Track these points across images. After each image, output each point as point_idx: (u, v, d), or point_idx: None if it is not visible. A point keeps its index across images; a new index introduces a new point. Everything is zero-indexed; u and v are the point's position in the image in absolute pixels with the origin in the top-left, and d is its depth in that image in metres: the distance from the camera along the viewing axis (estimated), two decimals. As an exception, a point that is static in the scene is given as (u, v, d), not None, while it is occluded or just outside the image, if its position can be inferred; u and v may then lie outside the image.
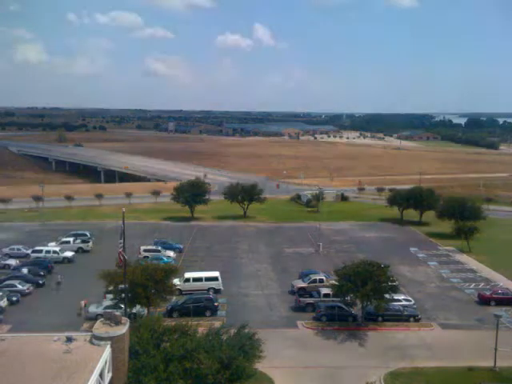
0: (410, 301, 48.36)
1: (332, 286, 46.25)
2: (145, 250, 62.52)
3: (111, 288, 42.10)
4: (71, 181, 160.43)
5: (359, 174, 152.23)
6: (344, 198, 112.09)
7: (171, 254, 63.52)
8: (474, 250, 68.64)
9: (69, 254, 62.71)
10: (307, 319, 45.17)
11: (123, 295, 40.25)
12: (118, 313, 30.57)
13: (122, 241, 36.13)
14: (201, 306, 45.50)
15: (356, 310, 45.11)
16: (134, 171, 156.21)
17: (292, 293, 51.40)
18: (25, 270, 54.64)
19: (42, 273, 55.43)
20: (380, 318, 44.78)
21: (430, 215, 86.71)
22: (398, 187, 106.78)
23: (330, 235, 77.80)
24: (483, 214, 78.88)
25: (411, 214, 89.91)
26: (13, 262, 59.12)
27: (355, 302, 44.49)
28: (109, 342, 27.18)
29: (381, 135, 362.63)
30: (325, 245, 69.15)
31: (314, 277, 52.40)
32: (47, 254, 61.03)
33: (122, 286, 39.83)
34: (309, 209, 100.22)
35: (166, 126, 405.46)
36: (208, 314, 45.25)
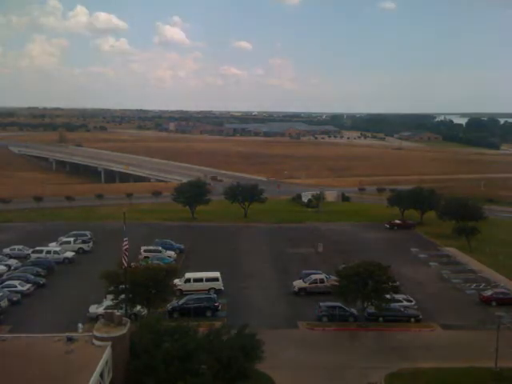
0: (411, 301, 48.32)
1: (333, 287, 46.23)
2: (145, 251, 62.50)
3: (112, 288, 42.12)
4: (71, 181, 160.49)
5: (360, 174, 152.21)
6: (345, 198, 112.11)
7: (172, 254, 63.50)
8: (474, 250, 68.57)
9: (69, 254, 62.69)
10: (308, 319, 45.14)
11: (124, 296, 40.32)
12: (118, 313, 30.58)
13: (125, 239, 36.37)
14: (201, 306, 45.45)
15: (356, 310, 45.07)
16: (134, 171, 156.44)
17: (293, 293, 51.46)
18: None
19: (42, 273, 55.39)
20: (381, 319, 44.73)
21: (430, 215, 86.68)
22: (399, 187, 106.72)
23: (330, 235, 77.77)
24: (484, 215, 78.79)
25: (412, 214, 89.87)
26: (13, 262, 59.11)
27: (356, 302, 44.41)
28: (109, 343, 27.20)
29: (381, 135, 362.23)
30: (325, 245, 69.09)
31: (314, 277, 52.39)
32: (48, 255, 61.00)
33: (123, 286, 39.88)
34: (310, 209, 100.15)
35: (166, 126, 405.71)
36: (209, 314, 45.19)
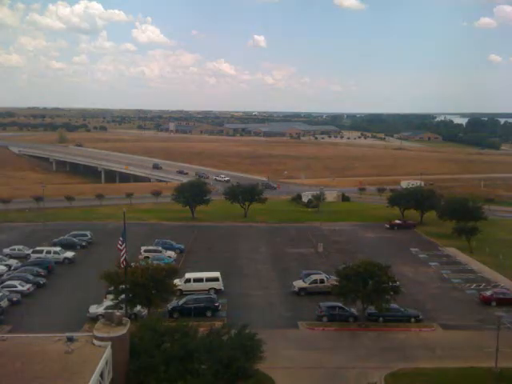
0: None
1: (333, 287, 46.22)
2: (145, 251, 62.47)
3: (112, 288, 42.14)
4: (72, 181, 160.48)
5: (360, 174, 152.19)
6: (345, 199, 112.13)
7: (172, 254, 63.49)
8: (474, 250, 68.57)
9: (69, 254, 62.63)
10: (308, 319, 45.14)
11: (124, 296, 40.33)
12: (118, 313, 30.58)
13: (122, 239, 36.34)
14: (201, 306, 45.44)
15: (356, 310, 45.07)
16: (134, 170, 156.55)
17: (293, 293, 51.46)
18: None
19: (42, 273, 55.37)
20: (381, 319, 44.72)
21: (430, 215, 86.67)
22: (399, 187, 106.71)
23: (330, 235, 77.78)
24: (484, 215, 78.80)
25: (412, 214, 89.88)
26: (13, 262, 59.09)
27: (356, 302, 44.38)
28: (109, 343, 27.22)
29: (382, 135, 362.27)
30: (325, 245, 69.10)
31: (314, 277, 52.39)
32: (48, 255, 60.95)
33: (123, 286, 39.88)
34: (310, 209, 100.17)
35: (166, 126, 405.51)
36: (209, 314, 45.19)
